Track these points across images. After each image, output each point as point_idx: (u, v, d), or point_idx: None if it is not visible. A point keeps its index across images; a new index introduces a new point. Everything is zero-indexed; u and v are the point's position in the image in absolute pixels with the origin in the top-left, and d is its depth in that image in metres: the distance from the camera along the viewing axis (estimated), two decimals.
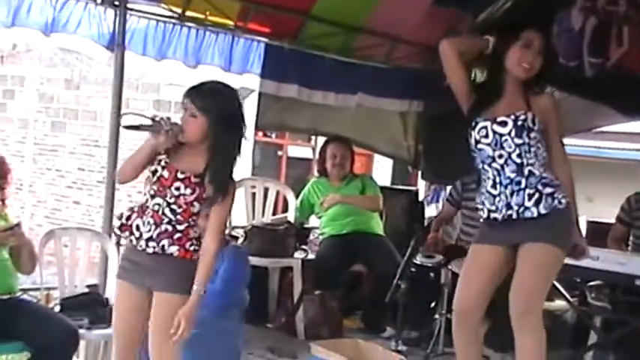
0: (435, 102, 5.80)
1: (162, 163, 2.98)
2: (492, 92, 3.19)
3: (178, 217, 2.98)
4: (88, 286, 4.16)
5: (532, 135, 3.08)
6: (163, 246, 2.97)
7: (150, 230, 2.98)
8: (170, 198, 2.98)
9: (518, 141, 3.07)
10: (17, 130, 15.00)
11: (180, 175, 2.96)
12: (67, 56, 13.33)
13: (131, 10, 4.51)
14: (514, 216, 3.09)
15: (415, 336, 4.68)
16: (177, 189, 2.96)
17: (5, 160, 3.59)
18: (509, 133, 3.08)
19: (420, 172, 6.63)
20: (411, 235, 4.53)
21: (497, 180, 3.13)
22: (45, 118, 14.48)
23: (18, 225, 3.53)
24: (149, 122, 2.93)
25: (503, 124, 3.09)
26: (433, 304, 4.56)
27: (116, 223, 3.10)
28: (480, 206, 3.21)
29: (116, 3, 4.38)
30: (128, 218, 3.04)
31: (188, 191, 2.96)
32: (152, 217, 2.99)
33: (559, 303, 4.78)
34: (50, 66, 14.16)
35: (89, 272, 4.18)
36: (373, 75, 5.85)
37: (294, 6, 5.21)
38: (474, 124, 3.15)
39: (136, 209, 3.05)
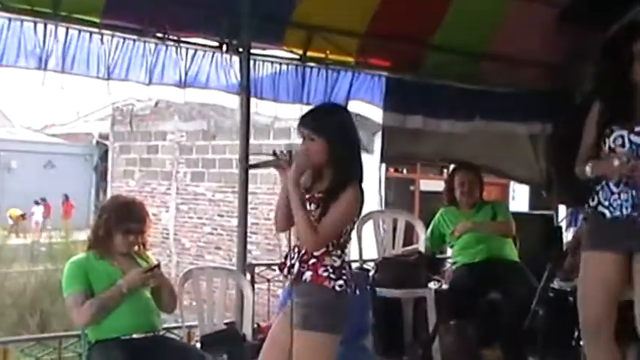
0: (566, 122, 5.59)
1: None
2: (626, 102, 3.11)
3: None
4: (226, 323, 4.26)
5: None
6: (300, 270, 3.01)
7: (293, 258, 3.04)
8: None
9: None
10: (161, 182, 15.81)
11: (307, 195, 3.02)
12: (204, 108, 13.99)
13: (255, 55, 4.67)
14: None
15: None
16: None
17: (144, 205, 3.78)
18: None
19: (554, 196, 6.38)
20: (548, 261, 4.35)
21: (624, 181, 3.03)
22: (185, 169, 15.20)
23: (158, 266, 3.68)
24: (271, 158, 3.01)
25: None
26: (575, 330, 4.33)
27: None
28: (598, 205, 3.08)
29: (240, 50, 4.54)
30: (286, 257, 3.11)
31: (313, 206, 2.99)
32: (297, 247, 3.05)
33: None
34: (189, 119, 14.91)
35: (226, 309, 4.30)
36: (499, 99, 5.72)
37: (414, 37, 5.21)
38: (608, 131, 3.07)
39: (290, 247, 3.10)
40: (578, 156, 3.47)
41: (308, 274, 2.98)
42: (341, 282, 2.97)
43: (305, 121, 3.07)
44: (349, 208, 2.99)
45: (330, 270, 2.97)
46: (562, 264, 4.52)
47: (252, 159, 3.27)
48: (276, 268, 4.13)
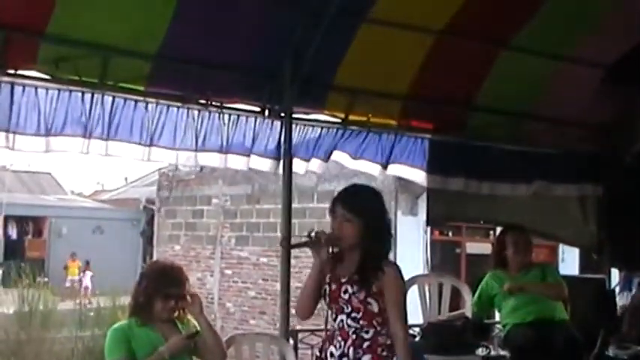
0: (617, 184, 5.48)
1: (328, 280, 3.06)
2: None
3: (361, 322, 3.00)
4: None
5: None
6: (355, 356, 2.97)
7: (341, 347, 3.01)
8: (347, 307, 3.01)
9: None
10: (206, 246, 15.88)
11: (343, 280, 3.03)
12: (248, 172, 14.09)
13: (296, 119, 4.69)
14: None
15: None
16: (346, 292, 3.01)
17: (182, 269, 3.76)
18: None
19: (605, 259, 6.21)
20: (600, 326, 4.19)
21: None
22: (230, 233, 15.26)
23: (197, 333, 3.65)
24: (308, 239, 3.04)
25: None
26: None
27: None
28: None
29: (282, 114, 4.57)
30: (321, 350, 3.12)
31: (355, 288, 2.99)
32: (340, 335, 3.04)
33: None
34: (233, 183, 15.04)
35: None
36: (546, 161, 5.65)
37: (456, 99, 5.19)
38: None
39: (325, 338, 3.14)
40: None
41: (367, 358, 2.97)
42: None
43: (340, 200, 3.10)
44: (402, 289, 3.07)
45: (387, 350, 2.99)
46: (616, 330, 4.35)
47: (294, 239, 3.34)
48: (321, 334, 4.06)
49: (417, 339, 4.71)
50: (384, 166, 5.07)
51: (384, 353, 2.97)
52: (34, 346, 11.65)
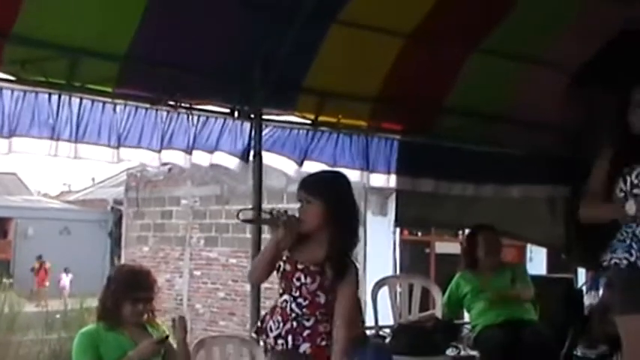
0: (584, 185, 5.53)
1: (284, 258, 3.05)
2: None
3: (304, 310, 2.99)
4: None
5: None
6: (293, 343, 2.97)
7: (278, 327, 3.00)
8: (295, 292, 3.00)
9: None
10: (175, 247, 15.77)
11: (299, 266, 3.02)
12: (217, 173, 14.03)
13: (266, 120, 4.68)
14: None
15: None
16: (298, 279, 3.00)
17: (150, 272, 3.73)
18: None
19: (574, 259, 6.28)
20: (569, 326, 4.24)
21: None
22: (199, 234, 15.18)
23: (167, 338, 3.62)
24: (267, 217, 3.04)
25: None
26: None
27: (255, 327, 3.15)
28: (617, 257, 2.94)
29: (252, 115, 4.55)
30: (263, 321, 3.07)
31: (309, 280, 2.99)
32: (280, 314, 3.02)
33: None
34: (202, 184, 14.95)
35: None
36: (514, 163, 5.70)
37: (426, 100, 5.21)
38: (627, 170, 3.01)
39: (268, 311, 3.10)
40: (586, 204, 3.37)
41: (305, 346, 2.96)
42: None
43: (303, 184, 3.12)
44: (355, 293, 3.07)
45: (326, 338, 2.99)
46: (584, 330, 4.40)
47: (246, 213, 3.30)
48: None
49: (388, 340, 4.72)
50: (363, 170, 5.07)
51: (323, 343, 2.97)
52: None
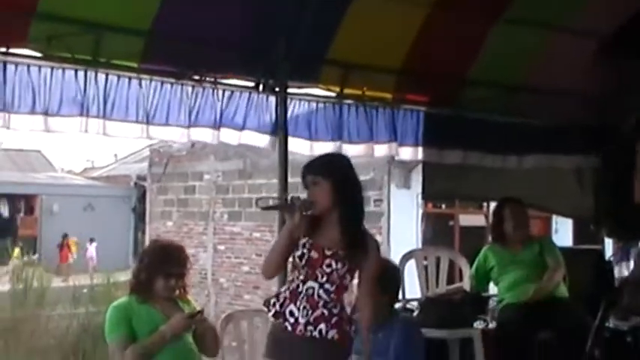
0: (614, 154, 5.47)
1: (308, 246, 3.06)
2: None
3: (332, 295, 3.04)
4: None
5: None
6: (321, 330, 3.01)
7: (307, 315, 3.02)
8: (322, 278, 3.03)
9: None
10: (198, 222, 15.87)
11: (327, 252, 3.04)
12: (240, 148, 14.04)
13: (291, 94, 4.65)
14: None
15: None
16: (329, 265, 3.03)
17: (184, 249, 3.75)
18: None
19: (603, 231, 6.22)
20: (599, 297, 4.19)
21: None
22: (222, 208, 15.24)
23: (201, 312, 3.65)
24: (283, 203, 3.10)
25: None
26: None
27: (267, 308, 3.18)
28: None
29: (276, 89, 4.52)
30: (282, 305, 3.09)
31: (339, 265, 3.03)
32: (307, 301, 3.04)
33: None
34: (225, 159, 14.99)
35: None
36: (541, 133, 5.63)
37: (451, 72, 5.16)
38: None
39: (287, 295, 3.10)
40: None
41: (333, 333, 3.03)
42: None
43: (307, 169, 3.14)
44: (379, 266, 3.19)
45: (348, 324, 3.11)
46: (616, 302, 4.35)
47: (264, 201, 3.37)
48: None
49: (416, 313, 4.72)
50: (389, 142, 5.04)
51: (347, 328, 3.06)
52: (29, 323, 11.68)
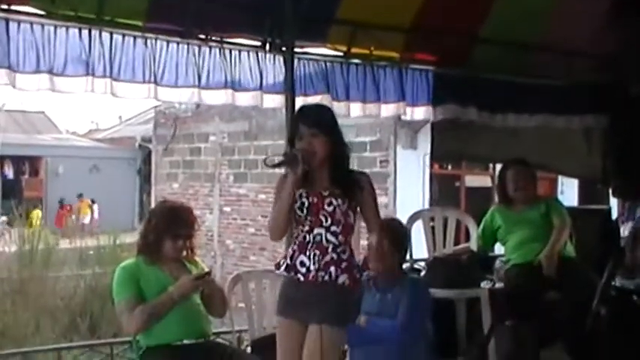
0: (624, 114, 5.42)
1: (305, 195, 3.13)
2: None
3: (340, 237, 3.10)
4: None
5: None
6: (331, 273, 3.08)
7: (317, 261, 3.08)
8: (327, 221, 3.10)
9: None
10: (204, 184, 15.87)
11: (325, 193, 3.12)
12: (245, 109, 13.99)
13: (298, 53, 4.59)
14: None
15: None
16: (330, 204, 3.11)
17: (191, 210, 3.75)
18: None
19: (610, 190, 6.19)
20: (606, 257, 4.19)
21: None
22: (228, 170, 15.23)
23: (209, 273, 3.65)
24: (289, 156, 3.11)
25: None
26: None
27: (278, 269, 3.24)
28: None
29: (283, 48, 4.46)
30: (292, 258, 3.13)
31: (340, 201, 3.11)
32: (317, 248, 3.10)
33: None
34: (230, 120, 14.94)
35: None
36: (552, 92, 5.57)
37: (461, 30, 5.09)
38: None
39: (295, 248, 3.16)
40: None
41: (344, 277, 3.10)
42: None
43: (304, 120, 3.19)
44: (375, 196, 3.32)
45: (357, 270, 3.20)
46: (622, 261, 4.35)
47: (270, 160, 3.36)
48: None
49: (423, 273, 4.72)
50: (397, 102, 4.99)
51: (358, 275, 3.16)
52: (37, 284, 11.74)
